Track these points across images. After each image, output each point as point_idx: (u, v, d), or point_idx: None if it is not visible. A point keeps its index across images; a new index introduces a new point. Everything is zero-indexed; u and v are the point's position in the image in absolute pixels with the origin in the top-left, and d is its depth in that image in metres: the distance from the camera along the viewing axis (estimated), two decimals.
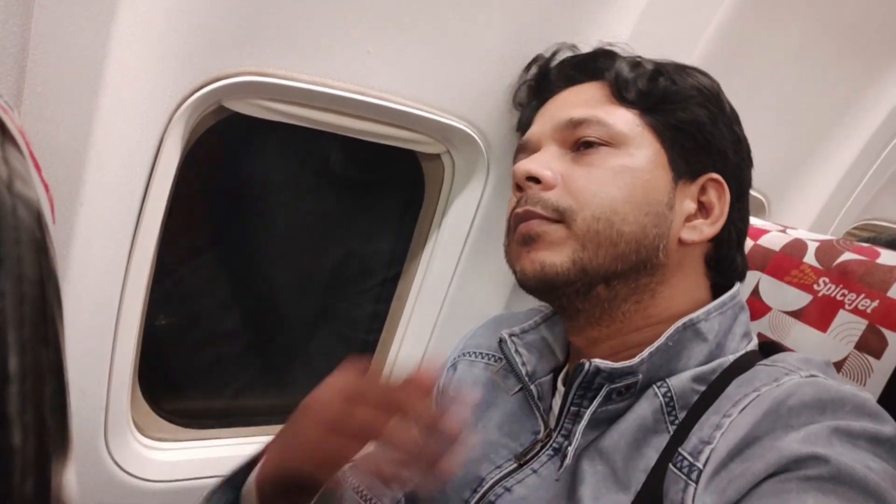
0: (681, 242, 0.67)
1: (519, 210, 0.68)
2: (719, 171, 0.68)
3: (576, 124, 0.68)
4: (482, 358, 0.84)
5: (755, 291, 0.82)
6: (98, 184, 0.74)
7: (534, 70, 0.85)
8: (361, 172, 1.14)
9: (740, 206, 0.71)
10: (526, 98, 0.85)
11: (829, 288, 0.73)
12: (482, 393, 0.79)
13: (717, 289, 0.70)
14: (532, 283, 0.67)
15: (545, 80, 0.81)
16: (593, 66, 0.74)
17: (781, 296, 0.78)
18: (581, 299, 0.66)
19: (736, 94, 0.72)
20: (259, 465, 0.63)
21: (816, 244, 0.79)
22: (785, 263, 0.80)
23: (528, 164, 0.67)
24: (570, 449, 0.63)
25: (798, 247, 0.80)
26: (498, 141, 0.95)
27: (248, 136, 1.01)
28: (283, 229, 1.16)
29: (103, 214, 0.77)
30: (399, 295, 1.17)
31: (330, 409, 0.55)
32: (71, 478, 0.25)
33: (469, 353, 0.86)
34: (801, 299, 0.76)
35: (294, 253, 1.18)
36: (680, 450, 0.56)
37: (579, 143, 0.68)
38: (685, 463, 0.55)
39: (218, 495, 0.67)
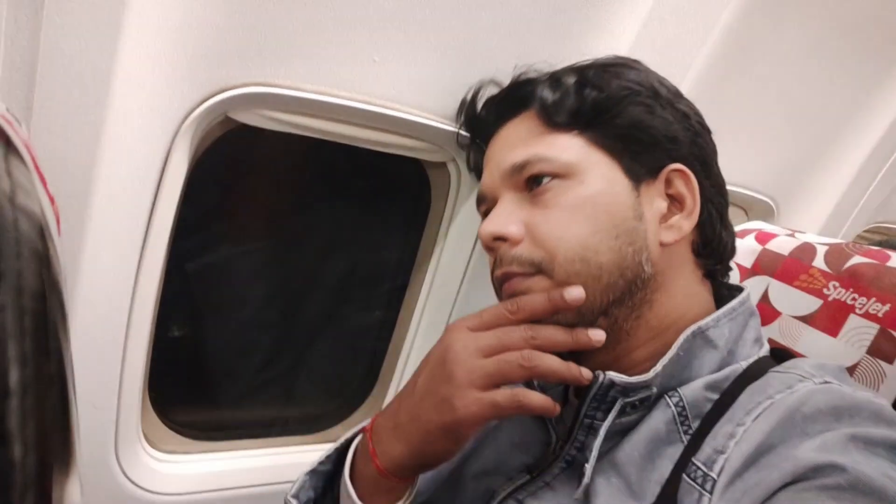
0: (663, 245, 0.64)
1: (498, 273, 0.67)
2: (677, 159, 0.65)
3: (520, 168, 0.66)
4: None
5: (764, 297, 0.81)
6: (106, 196, 0.74)
7: (465, 114, 0.84)
8: (368, 182, 1.14)
9: (711, 180, 0.68)
10: (469, 142, 0.85)
11: (840, 292, 0.73)
12: None
13: (711, 273, 0.69)
14: None
15: (478, 122, 0.80)
16: (517, 97, 0.71)
17: (791, 301, 0.78)
18: None
19: (742, 97, 0.72)
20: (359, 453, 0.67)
21: (826, 248, 0.78)
22: (794, 268, 0.79)
23: (491, 226, 0.66)
24: (587, 466, 0.61)
25: (807, 251, 0.79)
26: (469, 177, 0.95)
27: (254, 146, 1.02)
28: (291, 240, 1.16)
29: (112, 227, 0.77)
30: (407, 304, 1.17)
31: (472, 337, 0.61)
32: (75, 492, 0.25)
33: None
34: (811, 304, 0.75)
35: (302, 263, 1.19)
36: (693, 460, 0.56)
37: (530, 182, 0.66)
38: (699, 473, 0.54)
39: (306, 487, 0.70)
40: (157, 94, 0.73)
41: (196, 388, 1.15)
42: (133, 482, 0.95)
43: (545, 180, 0.64)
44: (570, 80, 0.67)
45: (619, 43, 0.91)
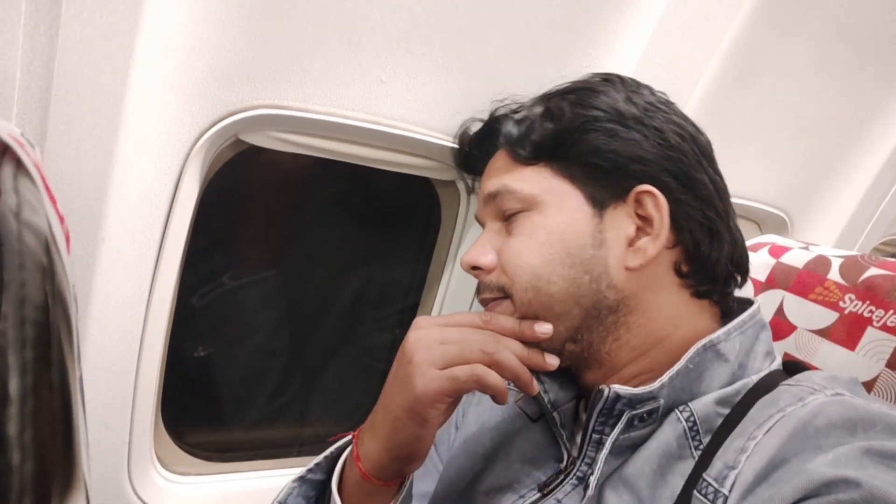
0: (630, 270, 0.63)
1: (479, 298, 0.71)
2: (645, 179, 0.63)
3: (493, 198, 0.69)
4: None
5: (779, 311, 0.80)
6: (119, 218, 0.76)
7: (457, 154, 0.87)
8: (377, 201, 1.15)
9: (694, 194, 0.64)
10: (466, 174, 0.88)
11: (856, 305, 0.71)
12: (502, 419, 0.78)
13: (702, 294, 0.66)
14: None
15: (469, 159, 0.83)
16: (490, 135, 0.74)
17: (807, 314, 0.76)
18: (560, 359, 0.66)
19: (752, 109, 0.71)
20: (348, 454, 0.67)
21: (840, 260, 0.77)
22: (809, 281, 0.78)
23: (467, 256, 0.70)
24: (592, 478, 0.61)
25: (822, 263, 0.78)
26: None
27: (265, 168, 1.03)
28: (302, 261, 1.17)
29: (124, 248, 0.78)
30: None
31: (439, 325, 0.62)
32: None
33: None
34: (827, 317, 0.74)
35: (313, 284, 1.19)
36: (704, 476, 0.55)
37: (505, 215, 0.69)
38: (710, 489, 0.53)
39: (295, 495, 0.69)
40: (168, 117, 0.74)
41: (209, 410, 1.15)
42: (146, 503, 0.95)
43: (515, 214, 0.67)
44: (536, 111, 0.69)
45: (625, 59, 0.91)
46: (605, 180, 0.64)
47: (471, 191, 0.92)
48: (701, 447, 0.58)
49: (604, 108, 0.65)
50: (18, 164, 0.28)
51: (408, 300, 1.18)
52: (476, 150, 0.79)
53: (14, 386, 0.21)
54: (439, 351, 0.59)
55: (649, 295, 0.64)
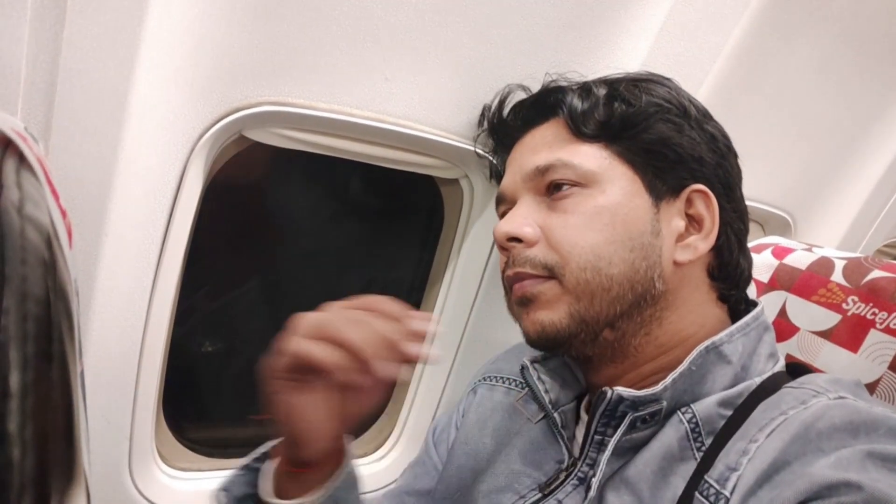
0: (677, 264, 0.64)
1: (510, 272, 0.67)
2: (700, 179, 0.65)
3: (543, 171, 0.66)
4: (503, 383, 0.83)
5: (782, 312, 0.80)
6: (122, 214, 0.76)
7: (490, 118, 0.84)
8: (381, 199, 1.15)
9: (733, 205, 0.67)
10: (492, 147, 0.86)
11: (859, 307, 0.71)
12: (502, 419, 0.78)
13: (726, 299, 0.68)
14: (538, 344, 0.66)
15: (504, 127, 0.80)
16: (546, 104, 0.72)
17: (809, 316, 0.76)
18: (590, 347, 0.65)
19: (756, 110, 0.71)
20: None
21: (844, 262, 0.77)
22: (812, 282, 0.78)
23: (506, 226, 0.66)
24: (594, 480, 0.61)
25: (825, 265, 0.78)
26: (489, 185, 0.95)
27: (268, 164, 1.03)
28: (304, 257, 1.17)
29: (127, 244, 0.78)
30: None
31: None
32: (80, 500, 0.25)
33: (490, 377, 0.85)
34: (829, 319, 0.74)
35: (315, 281, 1.19)
36: (706, 477, 0.55)
37: (551, 187, 0.66)
38: (712, 491, 0.53)
39: (237, 481, 0.66)
40: (172, 113, 0.74)
41: (210, 405, 1.15)
42: (147, 498, 0.95)
43: (566, 187, 0.65)
44: (601, 91, 0.67)
45: (630, 59, 0.91)
46: (665, 172, 0.65)
47: (492, 173, 0.88)
48: (703, 449, 0.58)
49: (675, 102, 0.66)
50: (21, 159, 0.29)
51: (410, 298, 1.18)
52: (520, 117, 0.76)
53: (15, 381, 0.21)
54: (313, 320, 0.55)
55: (686, 293, 0.65)
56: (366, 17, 0.77)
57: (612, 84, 0.68)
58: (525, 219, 0.66)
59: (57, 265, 0.27)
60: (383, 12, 0.77)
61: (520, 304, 0.66)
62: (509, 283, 0.68)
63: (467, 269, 1.08)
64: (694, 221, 0.66)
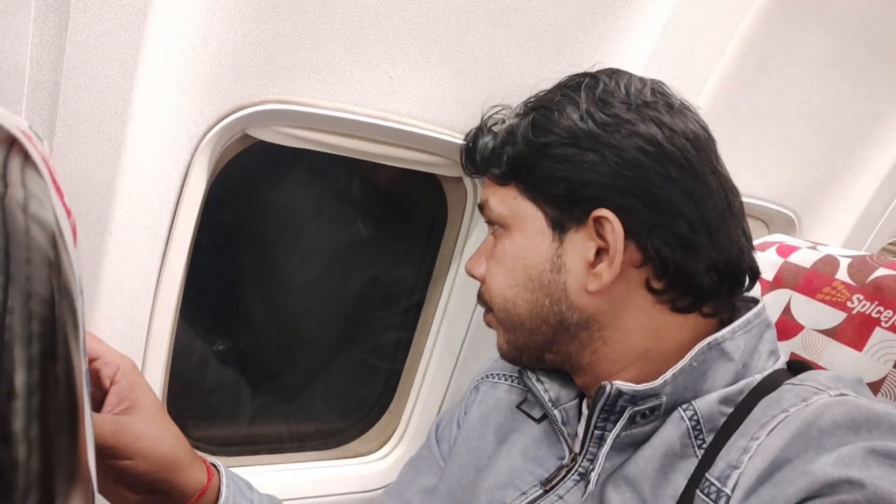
0: (591, 292, 0.63)
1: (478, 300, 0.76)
2: (602, 202, 0.62)
3: (482, 209, 0.73)
4: (505, 380, 0.83)
5: (786, 310, 0.80)
6: (126, 212, 0.76)
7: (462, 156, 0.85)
8: (384, 198, 1.15)
9: (658, 211, 0.61)
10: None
11: (864, 305, 0.71)
12: (504, 416, 0.78)
13: (679, 309, 0.64)
14: (506, 360, 0.76)
15: (470, 164, 0.81)
16: (475, 149, 0.75)
17: (814, 314, 0.76)
18: (542, 364, 0.72)
19: (762, 108, 0.71)
20: None
21: (849, 260, 0.76)
22: (816, 281, 0.78)
23: (467, 264, 0.76)
24: (593, 474, 0.61)
25: (830, 263, 0.78)
26: None
27: (271, 162, 1.03)
28: (307, 256, 1.17)
29: (132, 242, 0.78)
30: (423, 320, 1.17)
31: None
32: (82, 502, 0.25)
33: (492, 375, 0.85)
34: (834, 317, 0.74)
35: (317, 280, 1.19)
36: (707, 475, 0.55)
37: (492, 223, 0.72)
38: (713, 489, 0.53)
39: None
40: (176, 111, 0.75)
41: (213, 404, 1.16)
42: None
43: (498, 229, 0.71)
44: (504, 131, 0.70)
45: (635, 56, 0.91)
46: (562, 205, 0.64)
47: None
48: (704, 446, 0.58)
49: (557, 130, 0.64)
50: (26, 158, 0.29)
51: (413, 297, 1.18)
52: (472, 158, 0.77)
53: (20, 380, 0.21)
54: None
55: (619, 313, 0.64)
56: (370, 15, 0.77)
57: (518, 116, 0.69)
58: (479, 258, 0.74)
59: (62, 264, 0.27)
60: (387, 10, 0.77)
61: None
62: None
63: None
64: (606, 244, 0.62)
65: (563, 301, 0.65)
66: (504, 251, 0.69)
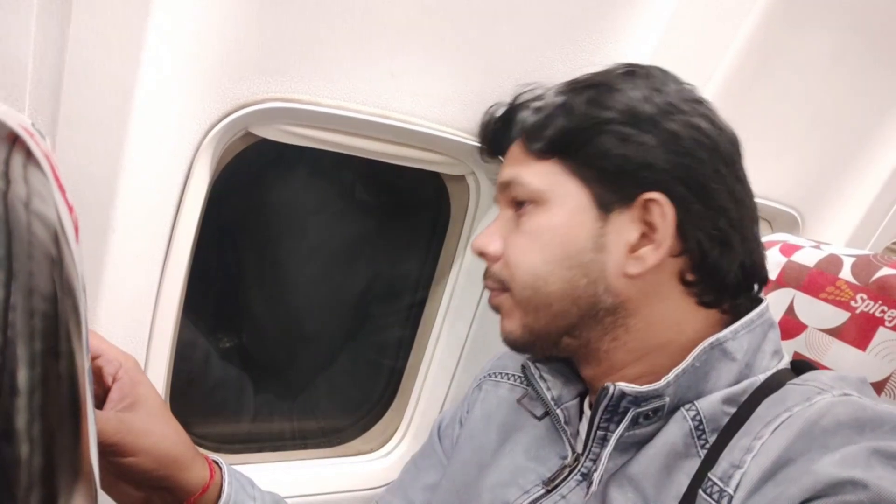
0: (629, 276, 0.62)
1: (484, 282, 0.72)
2: (654, 186, 0.61)
3: (506, 187, 0.69)
4: (508, 379, 0.83)
5: (790, 309, 0.79)
6: (129, 209, 0.76)
7: (480, 135, 0.83)
8: (387, 196, 1.15)
9: (707, 203, 0.62)
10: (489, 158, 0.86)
11: (868, 304, 0.71)
12: (507, 414, 0.78)
13: (706, 304, 0.64)
14: (510, 347, 0.71)
15: (490, 142, 0.80)
16: (507, 124, 0.72)
17: (817, 313, 0.76)
18: (555, 351, 0.68)
19: (765, 107, 0.70)
20: None
21: (852, 259, 0.76)
22: (820, 280, 0.77)
23: (477, 241, 0.71)
24: (595, 474, 0.61)
25: (833, 262, 0.77)
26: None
27: (274, 160, 1.03)
28: (310, 253, 1.17)
29: (134, 240, 0.78)
30: (426, 318, 1.17)
31: None
32: (84, 500, 0.25)
33: (494, 373, 0.85)
34: (838, 317, 0.73)
35: (319, 277, 1.19)
36: (710, 475, 0.55)
37: (516, 204, 0.69)
38: (715, 488, 0.53)
39: None
40: (179, 109, 0.75)
41: (216, 401, 1.16)
42: None
43: (524, 204, 0.67)
44: (551, 105, 0.67)
45: (637, 54, 0.91)
46: (612, 184, 0.63)
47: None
48: (707, 446, 0.57)
49: (619, 107, 0.63)
50: (28, 154, 0.29)
51: (416, 295, 1.18)
52: (498, 134, 0.77)
53: (22, 377, 0.21)
54: None
55: (650, 301, 0.63)
56: (372, 13, 0.77)
57: (567, 92, 0.67)
58: (492, 235, 0.70)
59: (64, 261, 0.27)
60: (390, 9, 0.77)
61: (494, 311, 0.71)
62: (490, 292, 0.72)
63: (473, 265, 1.08)
64: (652, 229, 0.62)
65: (600, 282, 0.63)
66: (538, 226, 0.65)
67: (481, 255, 0.70)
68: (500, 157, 0.81)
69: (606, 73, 0.67)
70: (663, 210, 0.61)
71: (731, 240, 0.62)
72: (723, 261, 0.62)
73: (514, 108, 0.72)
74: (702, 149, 0.62)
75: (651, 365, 0.63)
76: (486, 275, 0.70)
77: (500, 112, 0.76)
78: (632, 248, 0.62)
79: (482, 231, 0.72)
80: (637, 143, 0.62)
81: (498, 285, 0.68)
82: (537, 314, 0.65)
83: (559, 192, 0.65)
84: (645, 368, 0.64)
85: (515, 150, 0.71)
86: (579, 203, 0.64)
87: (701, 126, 0.62)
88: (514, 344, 0.69)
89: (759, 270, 0.66)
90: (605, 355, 0.66)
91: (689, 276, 0.63)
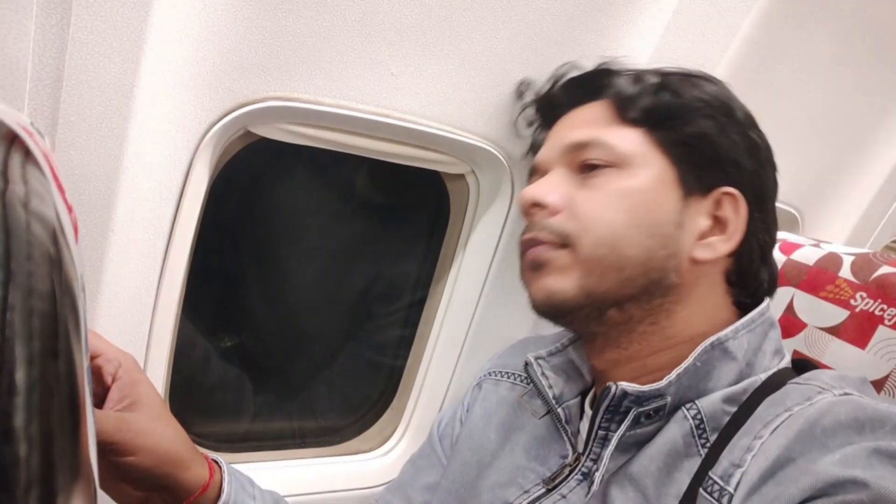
0: (694, 261, 0.64)
1: (527, 236, 0.67)
2: (733, 183, 0.64)
3: (579, 147, 0.66)
4: (508, 378, 0.83)
5: (789, 308, 0.79)
6: (128, 209, 0.76)
7: (539, 91, 0.84)
8: (386, 195, 1.15)
9: (763, 216, 0.66)
10: (534, 120, 0.85)
11: (867, 303, 0.71)
12: (507, 413, 0.78)
13: (742, 306, 0.67)
14: (542, 310, 0.67)
15: (550, 102, 0.80)
16: (594, 85, 0.72)
17: (817, 312, 0.76)
18: (594, 323, 0.65)
19: (765, 105, 0.71)
20: None
21: (852, 258, 0.76)
22: (819, 278, 0.77)
23: (532, 190, 0.67)
24: (597, 474, 0.61)
25: (833, 261, 0.78)
26: (522, 160, 0.95)
27: (274, 160, 1.03)
28: (310, 252, 1.17)
29: (134, 239, 0.78)
30: (425, 318, 1.17)
31: None
32: (83, 499, 0.25)
33: (494, 372, 0.85)
34: (837, 315, 0.73)
35: (319, 277, 1.19)
36: (710, 474, 0.55)
37: (584, 166, 0.66)
38: (715, 487, 0.53)
39: None
40: (178, 108, 0.74)
41: (215, 400, 1.16)
42: None
43: (598, 168, 0.65)
44: (652, 80, 0.67)
45: (637, 53, 0.91)
46: (699, 169, 0.64)
47: (529, 148, 0.88)
48: (707, 445, 0.58)
49: (722, 101, 0.65)
50: (27, 154, 0.29)
51: (415, 294, 1.18)
52: (568, 94, 0.77)
53: (21, 377, 0.21)
54: None
55: (700, 291, 0.65)
56: (372, 12, 0.77)
57: (663, 75, 0.68)
58: (553, 187, 0.66)
59: (63, 261, 0.27)
60: (390, 7, 0.77)
61: (531, 269, 0.67)
62: (524, 249, 0.68)
63: (473, 264, 1.07)
64: (719, 223, 0.65)
65: (672, 258, 0.63)
66: (623, 188, 0.63)
67: (535, 205, 0.67)
68: (544, 123, 0.80)
69: (699, 71, 0.69)
70: (738, 206, 0.64)
71: (768, 252, 0.68)
72: (762, 269, 0.67)
73: (605, 73, 0.72)
74: (769, 166, 0.68)
75: (674, 358, 0.63)
76: (536, 227, 0.66)
77: (575, 74, 0.77)
78: (701, 234, 0.64)
79: (533, 184, 0.69)
80: (731, 138, 0.64)
81: (556, 239, 0.64)
82: (604, 276, 0.62)
83: (646, 160, 0.65)
84: (667, 361, 0.63)
85: (590, 113, 0.70)
86: (664, 177, 0.64)
87: (769, 147, 0.68)
88: (559, 305, 0.64)
89: (776, 283, 0.71)
90: (638, 337, 0.65)
91: (734, 277, 0.66)
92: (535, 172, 0.74)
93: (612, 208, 0.63)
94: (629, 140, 0.65)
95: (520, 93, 0.87)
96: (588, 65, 0.79)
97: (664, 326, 0.64)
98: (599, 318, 0.64)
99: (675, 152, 0.65)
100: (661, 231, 0.63)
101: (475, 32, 0.82)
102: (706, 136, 0.64)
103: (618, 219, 0.62)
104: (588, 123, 0.68)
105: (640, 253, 0.62)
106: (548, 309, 0.66)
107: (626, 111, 0.66)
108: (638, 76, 0.69)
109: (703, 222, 0.64)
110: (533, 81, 0.85)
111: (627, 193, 0.63)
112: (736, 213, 0.64)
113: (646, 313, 0.64)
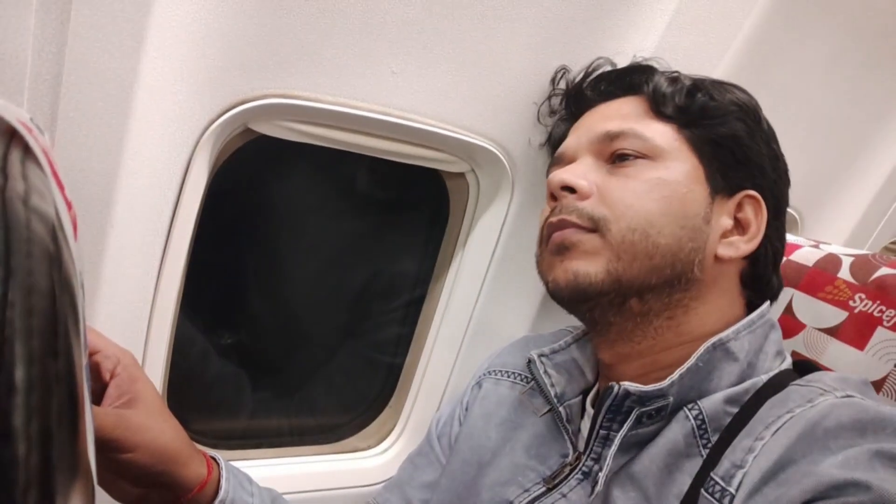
0: (717, 258, 0.65)
1: (553, 219, 0.67)
2: (757, 188, 0.67)
3: (612, 137, 0.68)
4: (508, 377, 0.83)
5: (788, 308, 0.79)
6: (128, 206, 0.75)
7: (568, 83, 0.85)
8: (386, 193, 1.15)
9: (777, 224, 0.69)
10: (559, 111, 0.85)
11: (866, 304, 0.71)
12: (507, 412, 0.78)
13: (752, 309, 0.67)
14: (565, 294, 0.65)
15: (580, 94, 0.81)
16: (630, 80, 0.73)
17: (816, 312, 0.76)
18: (613, 312, 0.65)
19: (765, 106, 0.71)
20: None
21: (851, 259, 0.76)
22: (819, 279, 0.77)
23: (564, 174, 0.67)
24: (600, 475, 0.61)
25: (832, 262, 0.77)
26: (522, 158, 0.95)
27: (273, 157, 1.03)
28: (309, 250, 1.17)
29: (133, 235, 0.78)
30: (424, 316, 1.17)
31: None
32: (83, 499, 0.25)
33: (494, 371, 0.85)
34: (836, 316, 0.73)
35: (319, 274, 1.19)
36: (712, 474, 0.55)
37: (615, 156, 0.67)
38: (717, 488, 0.53)
39: None
40: (178, 105, 0.74)
41: (213, 397, 1.15)
42: None
43: (630, 158, 0.66)
44: (687, 81, 0.70)
45: (637, 53, 0.90)
46: (727, 169, 0.66)
47: (549, 139, 0.89)
48: (709, 445, 0.58)
49: (752, 108, 0.68)
50: (26, 150, 0.28)
51: (414, 292, 1.18)
52: (600, 86, 0.78)
53: (20, 376, 0.21)
54: None
55: (717, 290, 0.66)
56: (373, 10, 0.76)
57: (698, 79, 0.71)
58: (585, 173, 0.67)
59: (62, 258, 0.26)
60: (390, 5, 0.77)
61: (555, 253, 0.66)
62: (549, 231, 0.68)
63: (472, 263, 1.07)
64: (739, 225, 0.67)
65: (699, 252, 0.64)
66: (657, 178, 0.64)
67: (565, 188, 0.67)
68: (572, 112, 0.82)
69: (733, 83, 0.72)
70: (759, 210, 0.66)
71: (779, 260, 0.71)
72: (773, 275, 0.70)
73: (643, 70, 0.74)
74: (786, 179, 0.72)
75: (681, 356, 0.63)
76: (565, 210, 0.66)
77: (608, 69, 0.79)
78: (724, 234, 0.66)
79: (564, 168, 0.70)
80: (758, 144, 0.67)
81: (586, 223, 0.64)
82: (632, 262, 0.62)
83: (678, 155, 0.66)
84: (677, 358, 0.64)
85: (624, 107, 0.71)
86: (695, 173, 0.66)
87: (786, 162, 0.72)
88: (585, 288, 0.64)
89: (780, 290, 0.73)
90: (653, 332, 0.66)
91: (749, 280, 0.68)
92: (558, 162, 0.75)
93: (646, 197, 0.64)
94: (662, 134, 0.67)
95: (554, 80, 0.88)
96: (619, 62, 0.82)
97: (680, 322, 0.65)
98: (620, 306, 0.65)
99: (705, 151, 0.66)
100: (692, 224, 0.64)
101: (476, 32, 0.82)
102: (737, 137, 0.66)
103: (652, 206, 0.63)
104: (622, 116, 0.70)
105: (671, 242, 0.63)
106: (571, 293, 0.65)
107: (661, 107, 0.68)
108: (674, 77, 0.71)
109: (727, 221, 0.66)
110: (570, 69, 0.87)
111: (661, 184, 0.64)
112: (757, 215, 0.67)
113: (664, 307, 0.65)
